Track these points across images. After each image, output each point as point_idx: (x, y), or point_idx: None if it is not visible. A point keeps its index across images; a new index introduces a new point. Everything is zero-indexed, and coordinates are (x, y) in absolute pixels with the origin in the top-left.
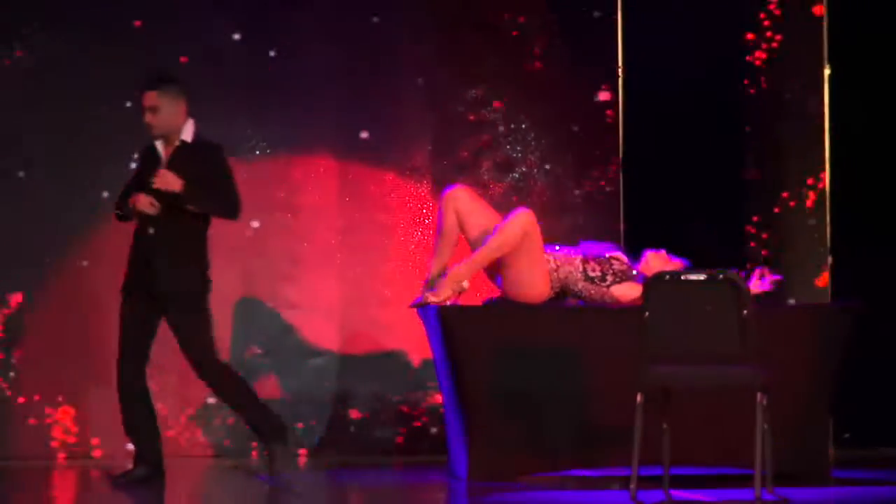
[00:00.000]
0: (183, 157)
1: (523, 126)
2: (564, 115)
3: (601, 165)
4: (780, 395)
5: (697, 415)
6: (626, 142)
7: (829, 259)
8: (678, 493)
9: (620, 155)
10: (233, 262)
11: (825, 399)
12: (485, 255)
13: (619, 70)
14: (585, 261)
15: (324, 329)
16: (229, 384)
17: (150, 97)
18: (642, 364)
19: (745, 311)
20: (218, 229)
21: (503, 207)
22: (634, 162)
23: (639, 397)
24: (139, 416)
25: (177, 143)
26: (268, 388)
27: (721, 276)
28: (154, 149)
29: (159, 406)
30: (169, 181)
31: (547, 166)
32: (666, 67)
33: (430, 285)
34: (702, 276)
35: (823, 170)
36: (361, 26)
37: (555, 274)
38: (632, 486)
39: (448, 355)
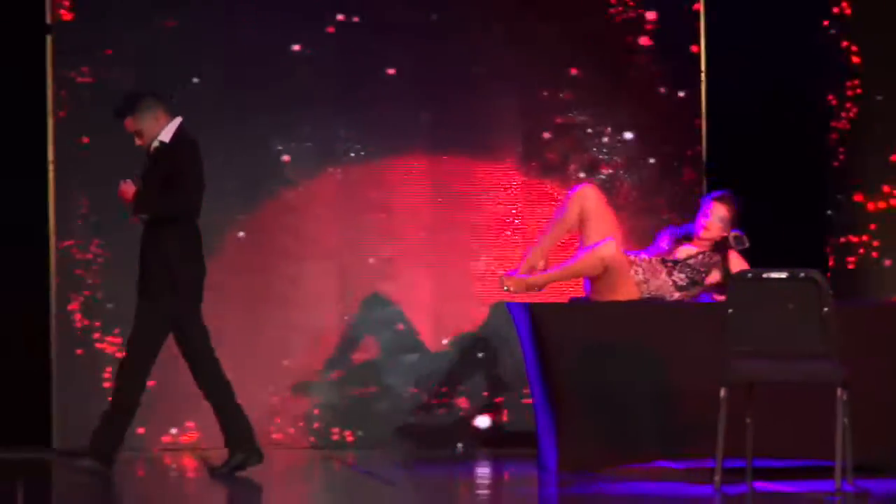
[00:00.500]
0: (159, 158)
1: (609, 129)
2: (649, 117)
3: (686, 167)
4: (861, 390)
5: (779, 409)
6: (709, 144)
7: None
8: (761, 485)
9: (704, 158)
10: (330, 260)
11: None
12: (563, 275)
13: (703, 73)
14: (669, 271)
15: (418, 325)
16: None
17: (129, 124)
18: (726, 359)
19: (825, 309)
20: (312, 231)
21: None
22: (717, 163)
23: (723, 392)
24: (225, 402)
25: (156, 144)
26: (365, 379)
27: (802, 274)
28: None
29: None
30: (123, 191)
31: (632, 168)
32: (751, 68)
33: (526, 268)
34: (783, 275)
35: None
36: (453, 30)
37: (644, 286)
38: (716, 478)
39: (537, 352)
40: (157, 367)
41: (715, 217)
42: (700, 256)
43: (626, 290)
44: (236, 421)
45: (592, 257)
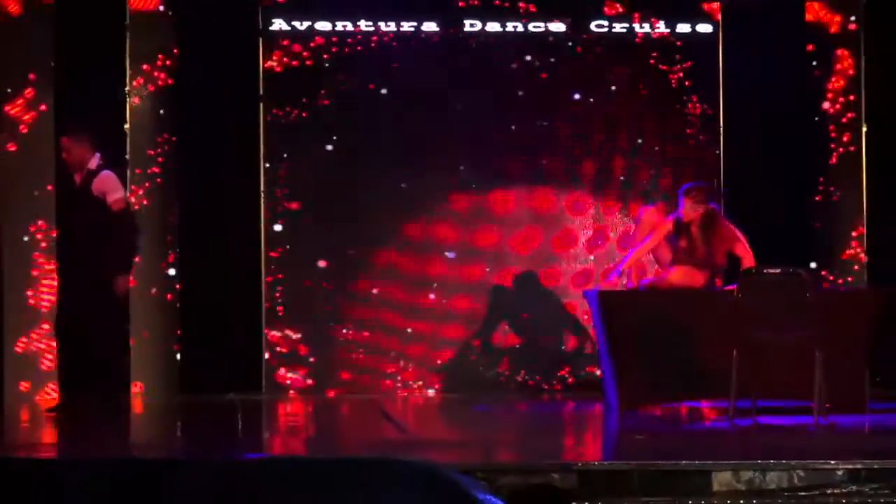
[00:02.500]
0: (87, 182)
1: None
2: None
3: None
4: (832, 351)
5: (776, 364)
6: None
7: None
8: (761, 419)
9: (722, 175)
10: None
11: (864, 353)
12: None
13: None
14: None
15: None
16: None
17: (62, 141)
18: (737, 330)
19: (808, 294)
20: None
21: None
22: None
23: (735, 352)
24: None
25: (85, 171)
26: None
27: (791, 270)
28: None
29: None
30: None
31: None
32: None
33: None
34: (778, 271)
35: None
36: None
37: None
38: (730, 413)
39: (605, 325)
40: None
41: (688, 207)
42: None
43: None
44: None
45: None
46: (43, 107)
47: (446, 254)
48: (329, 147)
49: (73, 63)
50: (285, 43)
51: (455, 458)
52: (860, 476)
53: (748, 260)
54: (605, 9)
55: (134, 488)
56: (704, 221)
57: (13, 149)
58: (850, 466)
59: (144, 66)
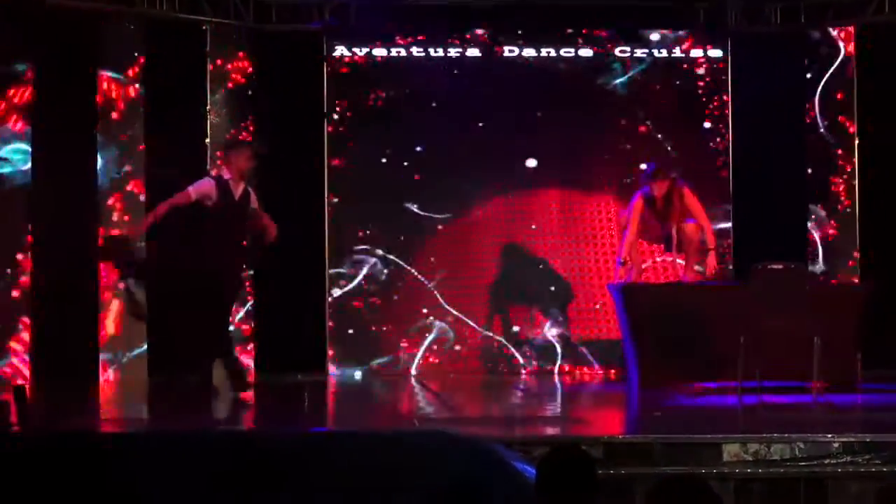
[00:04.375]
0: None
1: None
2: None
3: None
4: (828, 337)
5: (779, 348)
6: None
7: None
8: (766, 397)
9: (731, 189)
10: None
11: (855, 339)
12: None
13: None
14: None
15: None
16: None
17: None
18: (746, 317)
19: (807, 287)
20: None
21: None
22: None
23: (742, 339)
24: None
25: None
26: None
27: (793, 265)
28: None
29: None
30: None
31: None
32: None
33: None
34: (780, 266)
35: None
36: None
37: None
38: (738, 392)
39: (627, 314)
40: None
41: (654, 187)
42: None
43: None
44: None
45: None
46: None
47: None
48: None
49: None
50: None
51: (496, 432)
52: (854, 448)
53: (707, 232)
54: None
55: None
56: (667, 196)
57: None
58: (845, 439)
59: None
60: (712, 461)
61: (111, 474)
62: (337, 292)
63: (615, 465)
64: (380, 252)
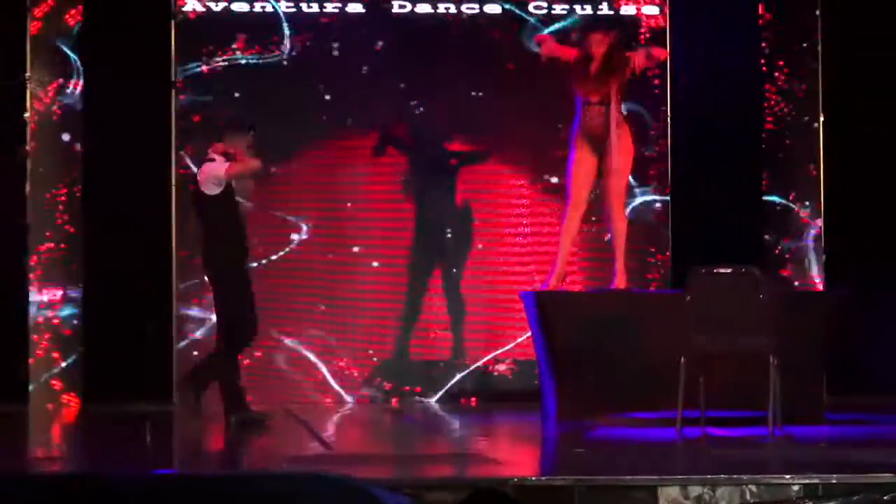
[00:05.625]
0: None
1: None
2: None
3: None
4: (787, 357)
5: (726, 371)
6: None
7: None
8: (712, 430)
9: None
10: None
11: (821, 359)
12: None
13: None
14: None
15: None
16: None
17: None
18: (686, 334)
19: (761, 295)
20: None
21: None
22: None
23: (682, 359)
24: None
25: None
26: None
27: (743, 269)
28: None
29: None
30: None
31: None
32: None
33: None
34: (729, 270)
35: None
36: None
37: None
38: (678, 424)
39: (542, 328)
40: None
41: (592, 44)
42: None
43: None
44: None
45: None
46: None
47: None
48: None
49: None
50: None
51: (381, 473)
52: (817, 491)
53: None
54: None
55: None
56: (607, 55)
57: None
58: (806, 481)
59: None
60: None
61: None
62: (186, 309)
63: None
64: None
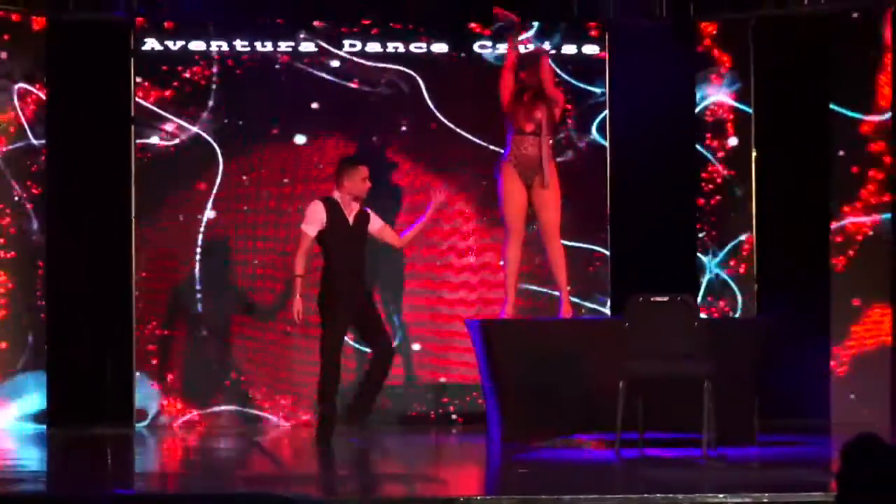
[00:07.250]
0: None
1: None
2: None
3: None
4: (721, 381)
5: (663, 395)
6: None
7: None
8: (649, 451)
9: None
10: None
11: (752, 383)
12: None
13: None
14: None
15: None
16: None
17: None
18: (624, 360)
19: (696, 323)
20: None
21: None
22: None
23: (621, 384)
24: None
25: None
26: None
27: (679, 298)
28: None
29: None
30: None
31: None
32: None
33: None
34: (665, 298)
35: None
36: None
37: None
38: (616, 446)
39: (487, 355)
40: None
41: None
42: None
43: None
44: None
45: None
46: None
47: None
48: None
49: None
50: None
51: (329, 494)
52: None
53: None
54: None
55: None
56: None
57: None
58: (738, 500)
59: None
60: None
61: None
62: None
63: None
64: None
